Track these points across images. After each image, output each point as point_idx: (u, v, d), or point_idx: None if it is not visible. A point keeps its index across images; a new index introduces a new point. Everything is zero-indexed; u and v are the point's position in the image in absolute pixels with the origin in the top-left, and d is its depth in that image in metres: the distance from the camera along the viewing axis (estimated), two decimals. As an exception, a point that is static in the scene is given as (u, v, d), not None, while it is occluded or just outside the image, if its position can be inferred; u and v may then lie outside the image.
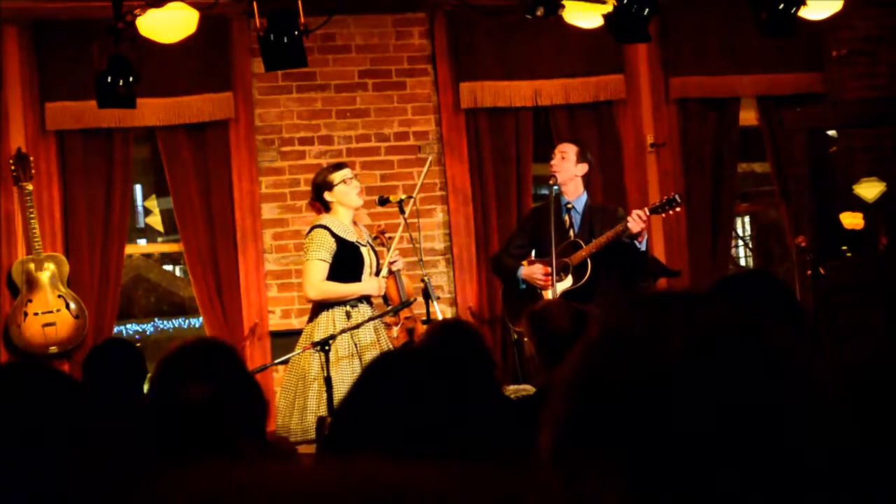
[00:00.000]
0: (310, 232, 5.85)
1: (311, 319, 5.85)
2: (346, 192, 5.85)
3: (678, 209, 6.35)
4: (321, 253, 5.74)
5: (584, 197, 6.56)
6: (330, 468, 0.70)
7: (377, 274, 5.93)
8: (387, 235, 6.38)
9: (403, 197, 6.33)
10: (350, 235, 5.86)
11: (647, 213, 6.22)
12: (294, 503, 0.66)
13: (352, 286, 5.81)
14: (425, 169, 6.46)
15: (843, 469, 0.94)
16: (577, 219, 6.50)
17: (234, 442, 2.22)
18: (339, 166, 6.02)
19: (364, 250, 5.91)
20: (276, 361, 5.98)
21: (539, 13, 6.06)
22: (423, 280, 6.12)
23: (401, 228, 6.19)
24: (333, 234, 5.79)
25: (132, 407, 3.82)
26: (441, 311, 6.15)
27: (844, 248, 7.85)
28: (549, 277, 6.21)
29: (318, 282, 5.73)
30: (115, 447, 1.36)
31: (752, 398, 0.94)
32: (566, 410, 0.97)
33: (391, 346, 5.88)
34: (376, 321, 5.86)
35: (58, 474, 1.26)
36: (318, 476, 0.69)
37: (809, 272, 7.14)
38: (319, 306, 5.79)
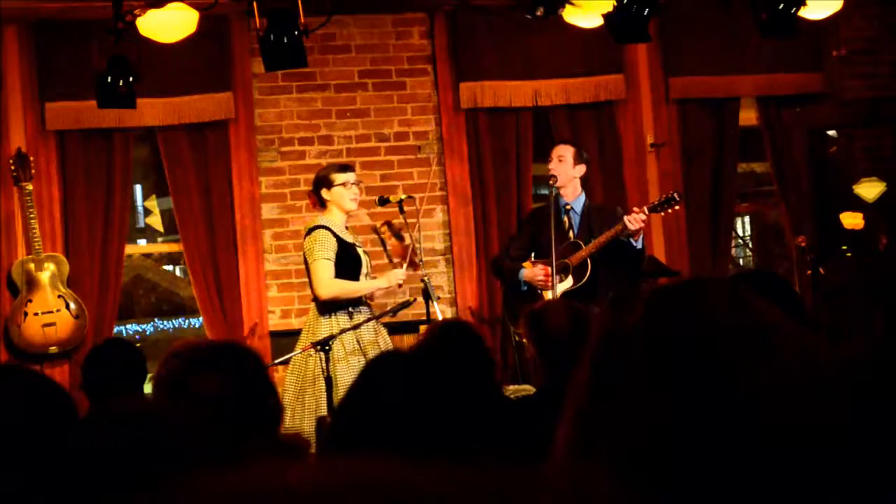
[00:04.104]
0: (310, 233, 5.85)
1: (312, 319, 5.83)
2: (342, 196, 5.86)
3: (677, 207, 6.36)
4: (326, 252, 5.75)
5: (583, 197, 6.57)
6: (340, 468, 0.69)
7: (367, 275, 5.95)
8: (397, 223, 6.24)
9: (403, 197, 6.33)
10: (347, 237, 5.88)
11: (647, 212, 6.22)
12: (304, 503, 0.66)
13: (364, 283, 5.83)
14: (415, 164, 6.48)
15: (842, 461, 0.94)
16: (576, 219, 6.51)
17: (246, 439, 2.22)
18: (345, 168, 6.04)
19: (360, 251, 5.93)
20: (277, 361, 5.97)
21: (539, 13, 6.07)
22: (423, 280, 6.12)
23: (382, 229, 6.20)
24: (334, 234, 5.80)
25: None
26: (441, 311, 6.15)
27: (844, 248, 7.85)
28: (550, 278, 6.22)
29: (329, 280, 5.73)
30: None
31: (752, 397, 0.94)
32: (577, 412, 0.97)
33: (390, 345, 5.89)
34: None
35: (44, 479, 1.26)
36: (328, 476, 0.68)
37: (809, 272, 7.13)
38: (322, 307, 5.78)
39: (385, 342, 5.87)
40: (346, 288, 5.77)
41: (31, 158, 6.93)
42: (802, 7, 5.95)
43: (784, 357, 0.97)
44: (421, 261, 6.34)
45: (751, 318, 0.98)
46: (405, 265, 5.94)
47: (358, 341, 5.71)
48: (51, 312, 6.86)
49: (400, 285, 5.93)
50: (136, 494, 0.73)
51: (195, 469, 0.73)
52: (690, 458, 0.92)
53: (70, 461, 1.21)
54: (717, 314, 0.97)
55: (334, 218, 5.88)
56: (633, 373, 0.96)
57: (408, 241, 6.08)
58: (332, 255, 5.75)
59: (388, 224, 6.24)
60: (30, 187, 6.87)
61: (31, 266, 6.87)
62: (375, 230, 6.27)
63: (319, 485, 0.67)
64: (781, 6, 5.91)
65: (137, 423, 1.22)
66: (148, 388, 4.44)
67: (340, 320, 5.73)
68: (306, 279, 5.94)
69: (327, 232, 5.79)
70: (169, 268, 11.90)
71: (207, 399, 2.26)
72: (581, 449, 0.95)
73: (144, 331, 11.19)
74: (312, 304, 5.90)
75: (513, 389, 5.06)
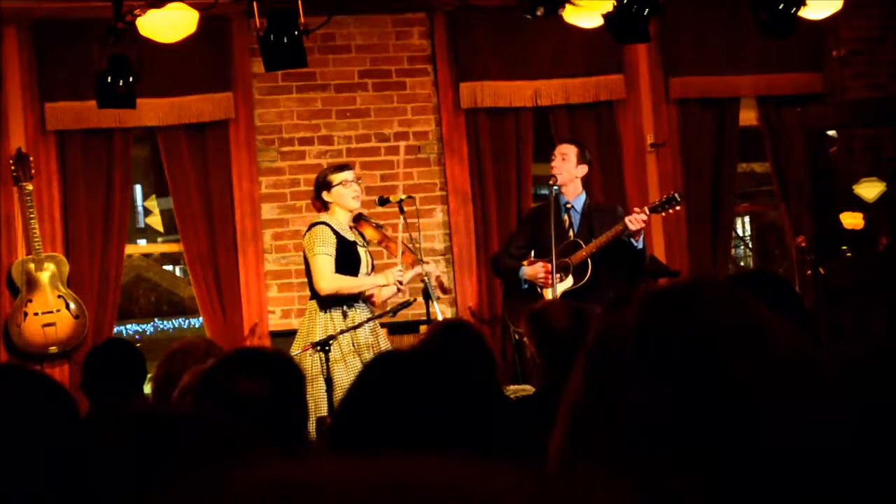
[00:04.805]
0: (310, 229, 5.86)
1: (308, 318, 5.83)
2: (343, 195, 5.86)
3: (678, 207, 6.35)
4: (326, 248, 5.75)
5: (584, 196, 6.57)
6: (367, 465, 0.69)
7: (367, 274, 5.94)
8: (381, 227, 6.21)
9: (403, 197, 6.31)
10: (348, 235, 5.88)
11: (647, 212, 6.22)
12: (335, 500, 0.66)
13: (364, 279, 5.83)
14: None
15: (841, 461, 0.94)
16: (576, 218, 6.50)
17: (283, 440, 2.26)
18: (341, 168, 6.03)
19: (362, 251, 5.92)
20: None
21: (539, 13, 6.07)
22: (422, 280, 6.11)
23: (401, 228, 6.17)
24: (334, 231, 5.81)
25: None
26: (441, 311, 6.14)
27: (844, 248, 7.85)
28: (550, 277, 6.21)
29: (329, 274, 5.73)
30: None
31: (751, 398, 0.94)
32: (572, 413, 0.97)
33: (389, 346, 5.89)
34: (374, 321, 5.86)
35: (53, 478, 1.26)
36: (358, 473, 0.68)
37: (809, 272, 7.13)
38: (319, 304, 5.78)
39: (384, 343, 5.87)
40: (346, 283, 5.77)
41: (31, 158, 6.93)
42: (802, 7, 5.95)
43: (782, 358, 0.97)
44: (421, 260, 6.32)
45: (748, 319, 0.98)
46: (399, 265, 5.93)
47: (353, 342, 5.70)
48: (51, 312, 6.86)
49: (401, 282, 5.90)
50: (143, 494, 0.73)
51: (215, 467, 0.73)
52: (687, 459, 0.92)
53: (73, 461, 1.21)
54: (714, 315, 0.97)
55: (337, 217, 5.88)
56: (628, 374, 0.96)
57: (389, 232, 6.06)
58: (332, 250, 5.76)
59: (361, 216, 6.18)
60: (30, 187, 6.87)
61: (31, 266, 6.87)
62: (354, 227, 6.24)
63: (355, 482, 0.67)
64: (781, 6, 5.91)
65: (153, 424, 1.22)
66: (147, 388, 4.44)
67: (335, 319, 5.73)
68: (306, 279, 5.94)
69: (327, 228, 5.79)
70: (169, 268, 11.92)
71: (250, 401, 2.31)
72: (575, 450, 0.95)
73: (144, 331, 11.21)
74: (308, 304, 5.89)
75: (513, 389, 5.05)
